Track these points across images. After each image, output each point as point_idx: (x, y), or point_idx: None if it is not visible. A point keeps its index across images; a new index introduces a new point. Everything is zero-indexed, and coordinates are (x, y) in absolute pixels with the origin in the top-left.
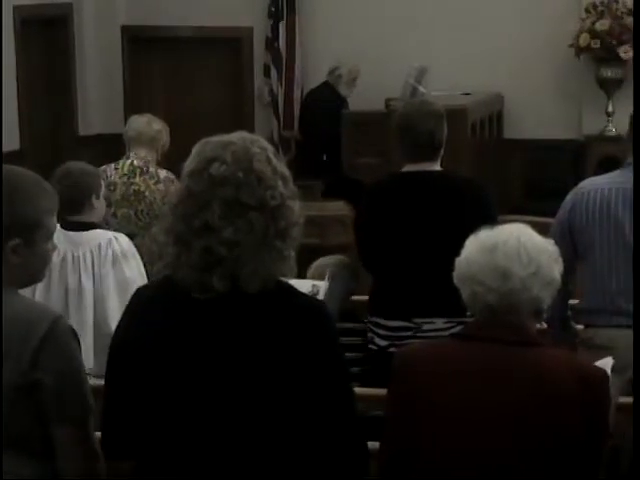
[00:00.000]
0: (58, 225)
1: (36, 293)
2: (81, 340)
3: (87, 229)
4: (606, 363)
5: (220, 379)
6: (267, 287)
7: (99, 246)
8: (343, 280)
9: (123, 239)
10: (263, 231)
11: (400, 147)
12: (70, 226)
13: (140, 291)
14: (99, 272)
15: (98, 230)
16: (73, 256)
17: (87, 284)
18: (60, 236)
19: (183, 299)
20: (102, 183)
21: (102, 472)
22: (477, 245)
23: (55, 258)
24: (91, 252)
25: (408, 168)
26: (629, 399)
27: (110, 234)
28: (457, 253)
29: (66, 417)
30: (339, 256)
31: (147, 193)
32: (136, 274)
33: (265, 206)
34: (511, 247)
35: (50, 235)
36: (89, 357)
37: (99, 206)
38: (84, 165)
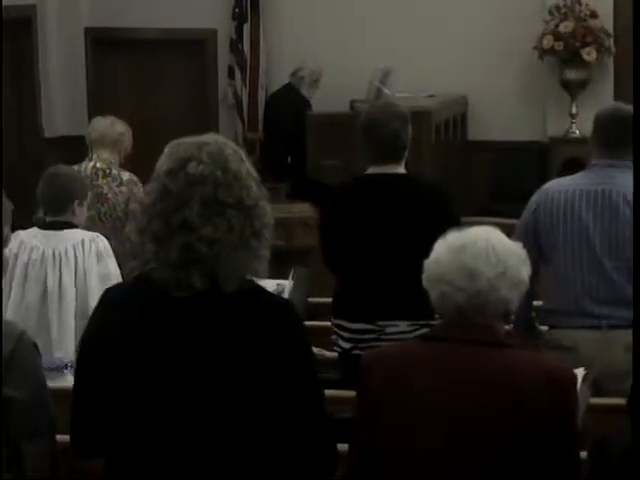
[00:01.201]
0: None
1: (12, 291)
2: (62, 335)
3: (68, 228)
4: (577, 374)
5: (193, 377)
6: (242, 286)
7: (82, 242)
8: (307, 279)
9: (104, 238)
10: (240, 230)
11: (365, 149)
12: (49, 226)
13: (111, 290)
14: (82, 266)
15: (78, 230)
16: (54, 252)
17: (68, 279)
18: (38, 235)
19: (160, 297)
20: (88, 193)
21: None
22: (446, 246)
23: (34, 255)
24: (74, 247)
25: (373, 170)
26: (596, 400)
27: (92, 233)
28: (421, 255)
29: (35, 430)
30: None
31: (110, 195)
32: (115, 272)
33: (242, 205)
34: (479, 248)
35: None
36: (69, 351)
37: (79, 213)
38: (73, 171)
